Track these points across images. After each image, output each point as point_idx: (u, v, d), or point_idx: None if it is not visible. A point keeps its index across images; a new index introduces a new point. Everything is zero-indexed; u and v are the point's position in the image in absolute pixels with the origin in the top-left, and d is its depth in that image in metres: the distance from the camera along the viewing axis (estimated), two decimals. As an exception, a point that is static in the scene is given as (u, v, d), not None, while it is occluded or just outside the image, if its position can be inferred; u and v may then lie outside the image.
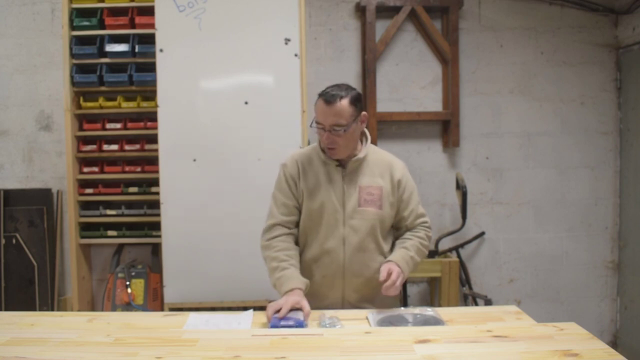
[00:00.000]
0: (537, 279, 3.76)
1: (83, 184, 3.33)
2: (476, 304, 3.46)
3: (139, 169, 3.29)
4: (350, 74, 3.63)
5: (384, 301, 2.01)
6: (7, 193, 3.51)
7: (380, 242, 2.05)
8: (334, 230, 2.01)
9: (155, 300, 3.22)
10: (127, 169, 3.30)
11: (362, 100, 2.03)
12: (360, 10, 3.57)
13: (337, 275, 2.03)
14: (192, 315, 1.91)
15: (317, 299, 2.03)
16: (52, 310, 3.47)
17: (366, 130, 2.10)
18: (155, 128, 2.88)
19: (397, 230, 2.15)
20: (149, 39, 3.02)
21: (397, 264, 1.93)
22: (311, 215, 2.03)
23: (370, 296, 2.03)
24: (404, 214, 2.08)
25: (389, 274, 1.87)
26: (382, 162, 2.08)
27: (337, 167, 2.03)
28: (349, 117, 1.92)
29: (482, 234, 3.69)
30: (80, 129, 3.31)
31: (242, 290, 2.81)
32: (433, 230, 3.58)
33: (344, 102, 1.91)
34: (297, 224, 2.09)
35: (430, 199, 3.68)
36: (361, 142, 2.08)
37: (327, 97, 1.92)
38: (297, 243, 2.09)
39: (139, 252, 3.47)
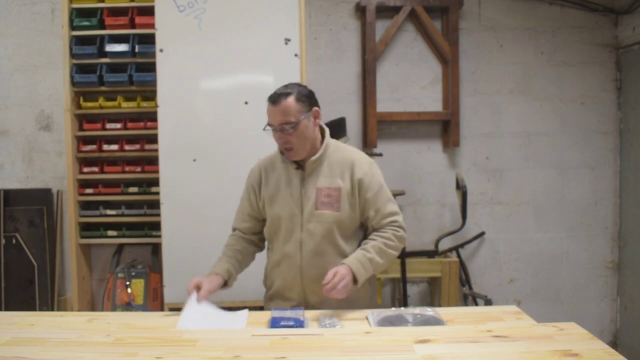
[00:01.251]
0: (537, 279, 3.76)
1: (83, 184, 3.33)
2: (476, 304, 3.46)
3: (139, 169, 3.29)
4: (350, 74, 3.63)
5: (350, 305, 1.94)
6: (7, 193, 3.51)
7: (340, 245, 2.00)
8: (291, 234, 2.01)
9: (155, 300, 3.22)
10: (127, 169, 3.30)
11: (312, 96, 1.99)
12: (360, 10, 3.57)
13: (295, 280, 2.02)
14: (189, 305, 1.88)
15: (281, 301, 2.07)
16: (52, 310, 3.46)
17: (324, 127, 2.05)
18: (155, 128, 2.88)
19: (365, 230, 2.09)
20: (149, 39, 3.02)
21: (348, 266, 1.87)
22: (272, 220, 2.05)
23: (333, 300, 1.93)
24: (369, 214, 2.01)
25: (334, 276, 1.83)
26: (344, 161, 2.01)
27: (297, 169, 2.01)
28: (297, 114, 1.91)
29: (482, 234, 3.69)
30: (80, 129, 3.31)
31: (242, 290, 2.79)
32: (433, 230, 3.66)
33: (290, 100, 1.91)
34: (255, 230, 2.16)
35: (430, 199, 3.68)
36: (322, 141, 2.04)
37: (273, 97, 1.93)
38: (257, 245, 2.19)
39: (139, 252, 3.47)
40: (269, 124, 1.95)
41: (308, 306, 2.02)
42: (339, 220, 1.98)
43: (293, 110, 1.91)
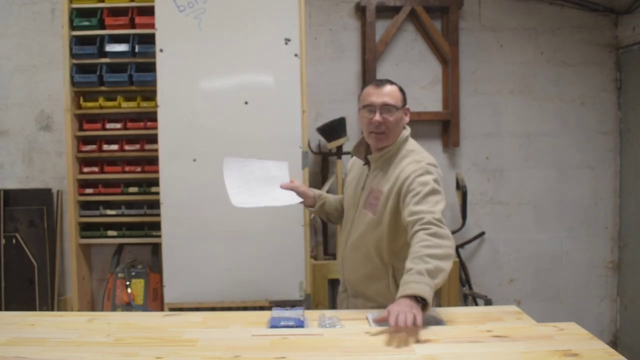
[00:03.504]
0: (537, 279, 3.76)
1: (83, 184, 3.33)
2: (476, 304, 3.46)
3: (139, 169, 3.29)
4: (350, 74, 3.63)
5: (376, 300, 1.98)
6: (7, 193, 3.51)
7: (377, 245, 1.97)
8: (346, 225, 2.14)
9: (155, 300, 3.22)
10: (127, 169, 3.30)
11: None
12: (360, 10, 3.57)
13: (339, 267, 2.17)
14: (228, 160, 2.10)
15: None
16: (52, 310, 3.46)
17: (406, 132, 2.04)
18: (155, 128, 2.87)
19: None
20: (149, 39, 3.02)
21: (405, 296, 1.59)
22: (343, 208, 2.22)
23: (365, 293, 2.04)
24: (403, 215, 1.87)
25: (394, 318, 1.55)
26: (399, 167, 1.96)
27: (364, 165, 2.09)
28: (399, 101, 1.99)
29: (482, 234, 3.69)
30: (80, 129, 3.31)
31: (242, 290, 2.80)
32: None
33: (394, 87, 2.02)
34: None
35: (430, 199, 3.68)
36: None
37: (378, 82, 2.03)
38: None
39: (139, 252, 3.47)
40: (368, 105, 1.98)
41: (349, 295, 2.11)
42: (374, 224, 1.97)
43: (396, 96, 2.00)
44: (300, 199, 2.19)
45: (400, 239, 1.94)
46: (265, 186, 2.14)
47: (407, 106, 2.05)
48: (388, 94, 1.97)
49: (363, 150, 2.10)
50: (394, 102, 1.97)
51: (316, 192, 2.27)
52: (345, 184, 2.25)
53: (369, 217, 1.98)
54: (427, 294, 1.58)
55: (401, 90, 2.04)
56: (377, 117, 1.95)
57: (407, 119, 2.04)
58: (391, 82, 2.03)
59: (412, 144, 2.05)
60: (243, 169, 2.14)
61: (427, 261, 1.65)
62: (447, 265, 1.69)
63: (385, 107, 1.95)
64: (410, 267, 1.66)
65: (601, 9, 3.64)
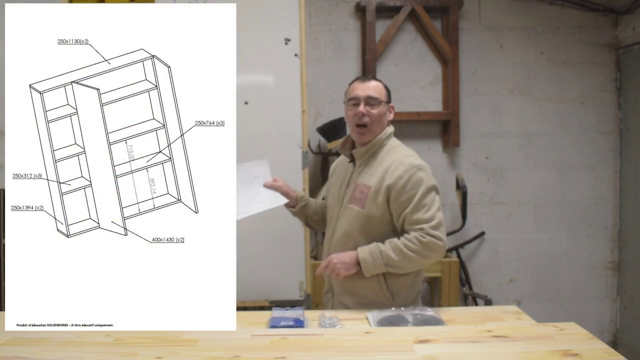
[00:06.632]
0: (537, 279, 3.76)
1: (83, 184, 3.32)
2: (476, 304, 3.46)
3: (139, 169, 3.29)
4: (350, 74, 3.63)
5: (365, 296, 1.97)
6: (7, 193, 3.51)
7: (360, 242, 1.98)
8: (330, 222, 2.11)
9: (155, 300, 3.22)
10: (127, 169, 3.30)
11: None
12: (360, 10, 3.57)
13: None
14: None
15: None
16: (52, 310, 3.46)
17: (390, 129, 2.09)
18: (156, 128, 2.87)
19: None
20: (149, 39, 3.02)
21: (355, 252, 1.93)
22: (324, 213, 2.23)
23: (351, 289, 2.00)
24: (399, 220, 1.96)
25: (330, 260, 1.95)
26: (385, 163, 2.00)
27: (349, 162, 2.10)
28: (383, 96, 2.03)
29: (482, 234, 3.69)
30: (80, 129, 3.31)
31: (241, 290, 2.78)
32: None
33: (379, 83, 2.06)
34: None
35: (430, 199, 3.68)
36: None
37: (362, 77, 2.10)
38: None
39: (139, 252, 3.46)
40: (353, 97, 2.03)
41: (334, 294, 2.08)
42: (363, 218, 1.97)
43: (380, 91, 2.04)
44: (285, 200, 2.14)
45: (379, 233, 1.98)
46: (249, 190, 2.08)
47: (391, 104, 2.08)
48: (372, 87, 2.02)
49: (349, 147, 2.11)
50: (378, 96, 2.01)
51: (299, 192, 2.25)
52: (328, 187, 2.23)
53: (356, 211, 1.98)
54: (367, 266, 1.91)
55: (386, 87, 2.07)
56: (362, 108, 1.99)
57: (391, 116, 2.09)
58: (376, 79, 2.08)
59: (396, 141, 2.10)
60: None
61: (395, 251, 1.89)
62: (406, 265, 1.91)
63: (369, 100, 2.00)
64: (383, 243, 1.92)
65: (601, 9, 3.64)
